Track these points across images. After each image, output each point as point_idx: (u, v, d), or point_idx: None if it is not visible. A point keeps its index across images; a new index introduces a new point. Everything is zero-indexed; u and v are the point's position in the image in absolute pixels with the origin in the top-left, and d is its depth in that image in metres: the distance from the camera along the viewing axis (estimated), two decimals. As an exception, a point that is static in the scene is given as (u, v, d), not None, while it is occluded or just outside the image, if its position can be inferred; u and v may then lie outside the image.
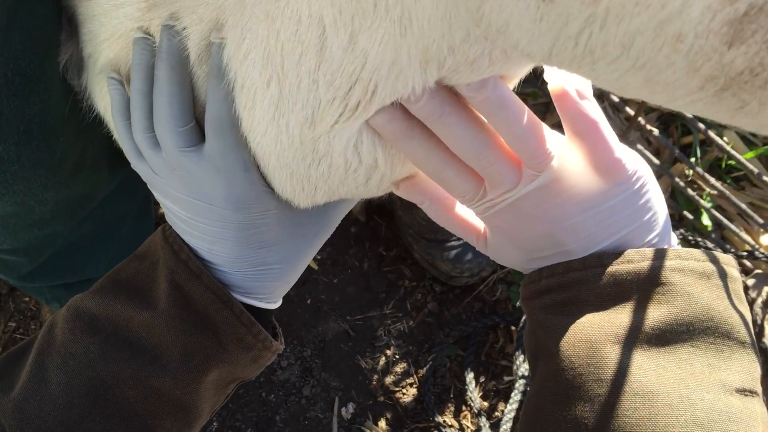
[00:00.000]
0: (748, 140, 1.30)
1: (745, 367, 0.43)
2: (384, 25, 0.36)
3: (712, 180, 1.13)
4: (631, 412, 0.41)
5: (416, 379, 1.16)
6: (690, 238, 1.15)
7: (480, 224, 0.52)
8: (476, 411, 1.11)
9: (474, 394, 1.13)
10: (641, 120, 1.09)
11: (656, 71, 0.28)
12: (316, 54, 0.39)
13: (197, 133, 0.47)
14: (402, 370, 1.17)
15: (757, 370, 0.44)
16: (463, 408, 1.15)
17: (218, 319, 0.50)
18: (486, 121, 0.44)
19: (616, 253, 0.45)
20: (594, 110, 0.44)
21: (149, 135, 0.48)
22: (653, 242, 0.46)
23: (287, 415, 1.13)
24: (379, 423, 1.13)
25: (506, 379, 1.16)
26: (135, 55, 0.46)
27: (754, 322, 1.09)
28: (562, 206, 0.45)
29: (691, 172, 1.26)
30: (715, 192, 1.21)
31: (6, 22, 0.46)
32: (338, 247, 1.26)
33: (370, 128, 0.43)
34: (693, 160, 1.29)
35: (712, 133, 1.06)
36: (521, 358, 1.11)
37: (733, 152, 1.06)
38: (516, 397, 1.08)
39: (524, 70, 0.43)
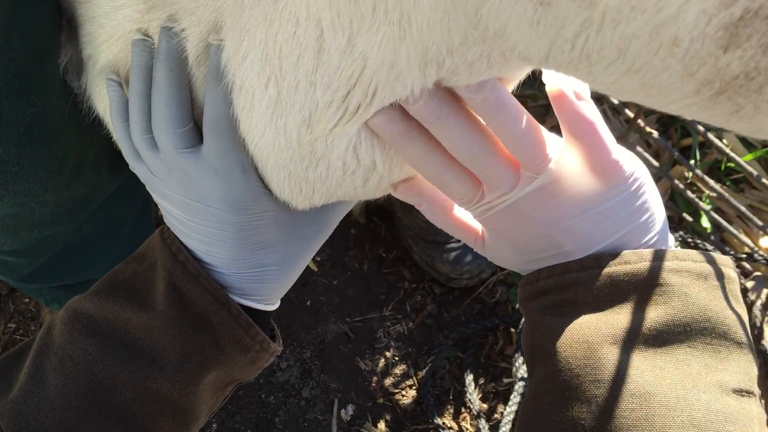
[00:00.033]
0: (748, 143, 1.29)
1: (741, 367, 0.43)
2: (383, 28, 0.36)
3: (712, 182, 1.13)
4: (628, 413, 0.41)
5: (416, 381, 1.16)
6: (689, 240, 1.15)
7: (478, 226, 0.52)
8: (475, 413, 1.11)
9: (473, 395, 1.13)
10: (641, 122, 1.09)
11: (652, 75, 0.28)
12: (314, 56, 0.39)
13: (195, 134, 0.47)
14: (401, 371, 1.17)
15: (753, 371, 0.44)
16: (463, 410, 1.15)
17: (216, 321, 0.50)
18: (484, 123, 0.44)
19: (613, 255, 0.45)
20: (591, 112, 0.44)
21: (147, 136, 0.48)
22: (650, 243, 0.46)
23: (286, 417, 1.13)
24: (379, 425, 1.13)
25: (505, 381, 1.16)
26: (134, 57, 0.46)
27: (753, 324, 1.09)
28: (559, 208, 0.45)
29: (690, 174, 1.26)
30: (715, 194, 1.21)
31: (6, 22, 0.46)
32: (338, 249, 1.26)
33: (369, 130, 0.43)
34: (692, 162, 1.29)
35: (711, 136, 1.06)
36: (521, 360, 1.11)
37: (733, 155, 1.05)
38: (515, 399, 1.07)
39: (523, 73, 0.43)
